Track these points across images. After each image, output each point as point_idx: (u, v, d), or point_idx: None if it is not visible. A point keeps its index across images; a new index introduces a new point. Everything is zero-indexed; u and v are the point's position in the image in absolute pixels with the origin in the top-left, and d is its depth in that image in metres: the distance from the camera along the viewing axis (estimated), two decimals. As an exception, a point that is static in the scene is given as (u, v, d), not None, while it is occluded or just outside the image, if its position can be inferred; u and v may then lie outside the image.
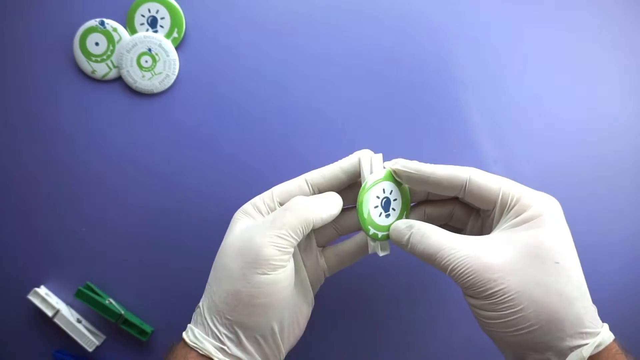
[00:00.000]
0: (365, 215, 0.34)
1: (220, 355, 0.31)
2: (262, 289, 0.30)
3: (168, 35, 0.45)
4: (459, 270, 0.29)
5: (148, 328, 0.46)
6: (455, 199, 0.37)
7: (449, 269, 0.30)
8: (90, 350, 0.44)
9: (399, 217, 0.35)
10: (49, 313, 0.44)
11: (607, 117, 0.45)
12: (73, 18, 0.45)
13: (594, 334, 0.29)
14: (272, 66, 0.46)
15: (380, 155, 0.35)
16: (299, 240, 0.32)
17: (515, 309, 0.28)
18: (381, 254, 0.35)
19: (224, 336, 0.31)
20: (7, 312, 0.47)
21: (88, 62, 0.46)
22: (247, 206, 0.35)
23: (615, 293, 0.46)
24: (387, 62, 0.45)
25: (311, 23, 0.45)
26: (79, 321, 0.46)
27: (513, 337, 0.29)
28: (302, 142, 0.46)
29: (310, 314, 0.37)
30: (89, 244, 0.47)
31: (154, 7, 0.45)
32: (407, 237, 0.32)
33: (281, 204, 0.34)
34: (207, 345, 0.31)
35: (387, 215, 0.35)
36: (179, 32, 0.45)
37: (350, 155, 0.35)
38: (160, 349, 0.47)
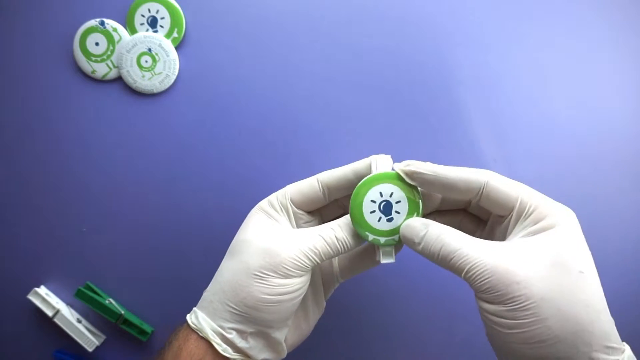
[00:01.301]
0: (363, 221, 0.33)
1: (218, 340, 0.31)
2: (277, 289, 0.31)
3: (168, 35, 0.45)
4: (477, 271, 0.27)
5: (148, 328, 0.46)
6: (463, 210, 0.36)
7: (465, 270, 0.28)
8: (90, 350, 0.44)
9: (408, 219, 0.33)
10: (49, 313, 0.44)
11: (607, 117, 0.45)
12: (73, 18, 0.45)
13: (619, 350, 0.27)
14: (272, 66, 0.46)
15: (390, 159, 0.34)
16: (325, 260, 0.33)
17: (538, 318, 0.26)
18: (383, 260, 0.34)
19: (226, 323, 0.32)
20: (7, 312, 0.47)
21: (88, 62, 0.46)
22: (264, 203, 0.35)
23: (615, 293, 0.45)
24: (388, 62, 0.45)
25: (311, 23, 0.45)
26: (79, 321, 0.46)
27: (532, 350, 0.26)
28: (302, 141, 0.46)
29: (319, 317, 0.37)
30: (89, 244, 0.47)
31: (154, 7, 0.45)
32: (422, 234, 0.31)
33: (293, 202, 0.35)
34: (207, 329, 0.32)
35: (390, 220, 0.33)
36: (179, 32, 0.45)
37: (364, 159, 0.35)
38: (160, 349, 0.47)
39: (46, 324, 0.45)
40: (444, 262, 0.30)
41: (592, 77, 0.45)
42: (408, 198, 0.33)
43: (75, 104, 0.46)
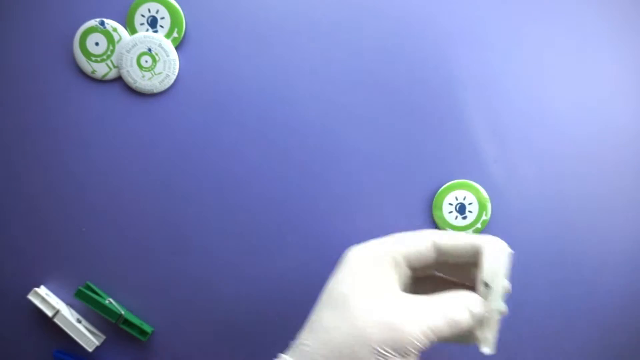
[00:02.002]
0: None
1: None
2: None
3: (168, 35, 0.45)
4: None
5: (148, 328, 0.46)
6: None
7: None
8: (90, 350, 0.44)
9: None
10: (49, 313, 0.44)
11: (607, 117, 0.45)
12: (73, 18, 0.45)
13: None
14: (272, 66, 0.46)
15: (508, 254, 0.32)
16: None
17: None
18: (487, 352, 0.32)
19: None
20: (7, 312, 0.47)
21: (88, 62, 0.45)
22: (374, 253, 0.31)
23: (615, 293, 0.46)
24: (388, 61, 0.45)
25: (311, 23, 0.45)
26: (79, 321, 0.46)
27: None
28: (302, 141, 0.46)
29: None
30: (89, 244, 0.47)
31: (154, 7, 0.45)
32: None
33: (407, 261, 0.32)
34: None
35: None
36: (179, 32, 0.45)
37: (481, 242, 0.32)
38: (161, 349, 0.47)
39: (46, 324, 0.45)
40: None
41: (593, 77, 0.45)
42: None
43: (75, 104, 0.46)
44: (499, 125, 0.45)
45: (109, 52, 0.45)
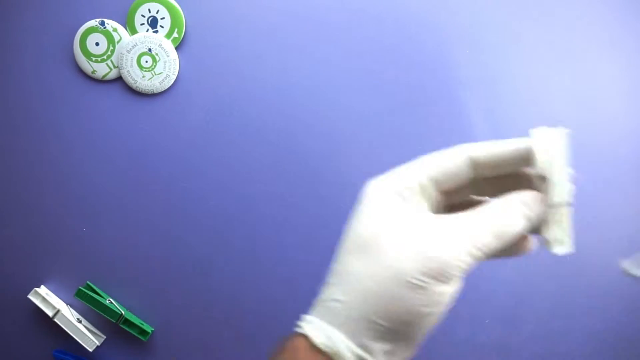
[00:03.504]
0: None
1: None
2: (439, 298, 0.25)
3: (168, 36, 0.45)
4: None
5: (148, 328, 0.46)
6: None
7: None
8: (90, 350, 0.44)
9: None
10: (49, 313, 0.44)
11: (607, 117, 0.45)
12: (73, 18, 0.45)
13: None
14: (271, 66, 0.46)
15: (564, 136, 0.28)
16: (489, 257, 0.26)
17: None
18: (561, 252, 0.28)
19: (372, 344, 0.25)
20: (7, 312, 0.47)
21: (88, 62, 0.46)
22: (396, 184, 0.27)
23: (615, 293, 0.45)
24: (388, 62, 0.45)
25: (311, 23, 0.45)
26: (79, 321, 0.46)
27: None
28: (302, 141, 0.46)
29: None
30: (89, 244, 0.47)
31: (154, 7, 0.45)
32: None
33: (437, 183, 0.28)
34: (347, 353, 0.24)
35: None
36: (179, 32, 0.45)
37: (526, 139, 0.28)
38: (160, 349, 0.47)
39: (46, 323, 0.45)
40: None
41: (592, 77, 0.45)
42: None
43: (75, 104, 0.46)
44: (498, 125, 0.45)
45: (109, 52, 0.46)
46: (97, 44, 0.45)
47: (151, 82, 0.45)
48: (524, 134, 0.48)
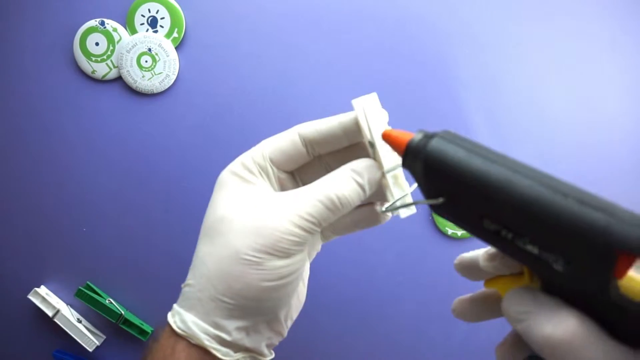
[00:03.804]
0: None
1: (216, 345, 0.26)
2: (277, 272, 0.25)
3: (168, 35, 0.45)
4: None
5: (148, 328, 0.46)
6: None
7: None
8: (90, 350, 0.44)
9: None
10: (49, 313, 0.44)
11: (607, 117, 0.45)
12: (73, 18, 0.45)
13: None
14: (271, 66, 0.46)
15: (378, 105, 0.28)
16: (325, 225, 0.26)
17: None
18: (405, 215, 0.27)
19: (222, 322, 0.26)
20: (7, 312, 0.47)
21: (88, 62, 0.46)
22: (237, 166, 0.29)
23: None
24: (388, 62, 0.45)
25: (311, 23, 0.45)
26: (79, 321, 0.46)
27: None
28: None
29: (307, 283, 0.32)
30: (89, 244, 0.47)
31: (154, 7, 0.45)
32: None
33: (272, 162, 0.29)
34: (200, 333, 0.26)
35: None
36: (179, 32, 0.45)
37: (351, 112, 0.29)
38: (160, 348, 0.47)
39: (46, 323, 0.45)
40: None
41: (593, 77, 0.45)
42: None
43: (75, 104, 0.46)
44: (498, 125, 0.45)
45: (109, 52, 0.45)
46: (97, 43, 0.45)
47: (151, 82, 0.45)
48: (524, 133, 0.48)
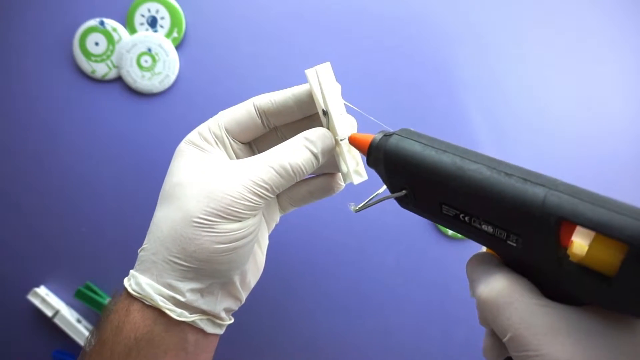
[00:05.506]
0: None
1: (170, 305, 0.26)
2: (230, 236, 0.26)
3: (168, 35, 0.45)
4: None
5: (148, 328, 0.46)
6: None
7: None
8: (90, 350, 0.44)
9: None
10: (49, 313, 0.44)
11: (607, 117, 0.45)
12: (73, 18, 0.45)
13: None
14: (271, 66, 0.46)
15: (330, 72, 0.28)
16: (278, 192, 0.27)
17: None
18: (358, 181, 0.29)
19: (176, 283, 0.27)
20: (7, 312, 0.47)
21: (88, 62, 0.45)
22: (194, 136, 0.30)
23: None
24: (388, 62, 0.45)
25: (310, 23, 0.45)
26: (79, 321, 0.46)
27: None
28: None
29: (265, 252, 0.33)
30: (89, 244, 0.47)
31: (154, 7, 0.45)
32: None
33: (228, 132, 0.30)
34: (154, 294, 0.26)
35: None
36: (179, 32, 0.45)
37: (304, 84, 0.30)
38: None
39: (46, 324, 0.45)
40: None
41: (593, 77, 0.45)
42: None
43: (75, 104, 0.46)
44: (498, 125, 0.45)
45: (109, 52, 0.45)
46: (96, 43, 0.45)
47: (151, 82, 0.45)
48: (524, 133, 0.48)
